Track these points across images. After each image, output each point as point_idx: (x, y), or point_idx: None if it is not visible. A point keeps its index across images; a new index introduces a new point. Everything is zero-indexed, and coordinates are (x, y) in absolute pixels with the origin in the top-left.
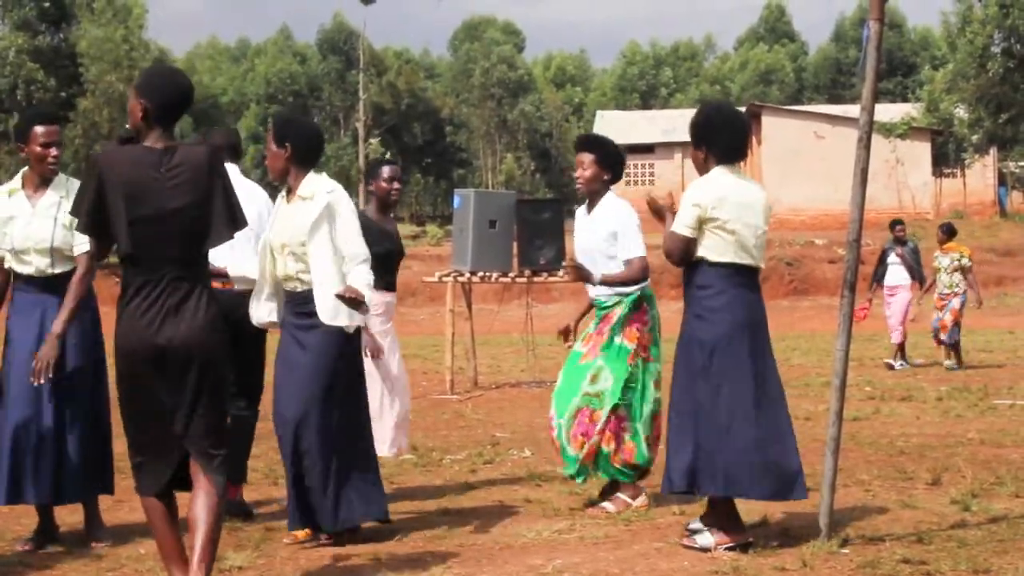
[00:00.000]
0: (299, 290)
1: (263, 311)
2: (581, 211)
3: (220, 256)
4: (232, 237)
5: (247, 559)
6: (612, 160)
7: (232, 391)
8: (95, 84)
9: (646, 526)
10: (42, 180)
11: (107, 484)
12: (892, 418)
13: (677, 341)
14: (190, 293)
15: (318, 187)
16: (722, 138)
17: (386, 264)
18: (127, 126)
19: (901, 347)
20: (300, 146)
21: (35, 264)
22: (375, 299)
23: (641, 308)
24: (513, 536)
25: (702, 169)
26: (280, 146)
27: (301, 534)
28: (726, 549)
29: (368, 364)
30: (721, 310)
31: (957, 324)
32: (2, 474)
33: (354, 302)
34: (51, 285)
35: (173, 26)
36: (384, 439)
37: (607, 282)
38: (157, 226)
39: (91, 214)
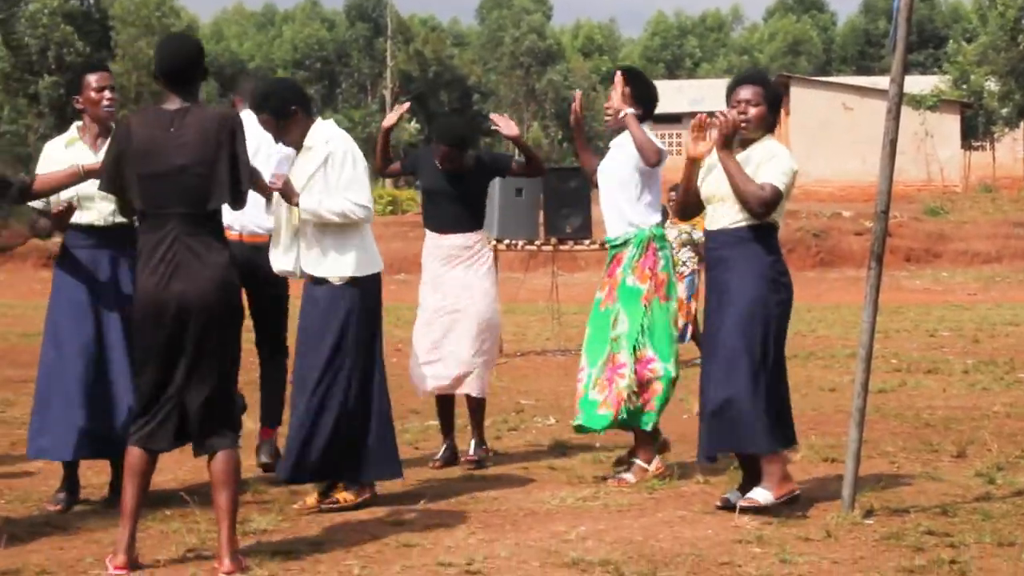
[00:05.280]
0: None
1: (281, 260)
2: (615, 140)
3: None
4: (230, 201)
5: (271, 521)
6: (642, 94)
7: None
8: (125, 49)
9: (670, 494)
10: (101, 129)
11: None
12: (918, 390)
13: (729, 309)
14: (199, 251)
15: (318, 136)
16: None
17: (435, 203)
18: None
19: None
20: (276, 108)
21: (98, 209)
22: (436, 243)
23: (650, 248)
24: (537, 503)
25: (760, 129)
26: (260, 116)
27: (311, 500)
28: (784, 502)
29: (446, 301)
30: (787, 273)
31: (689, 319)
32: (74, 430)
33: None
34: (108, 237)
35: None
36: (472, 380)
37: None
38: (163, 182)
39: (109, 171)
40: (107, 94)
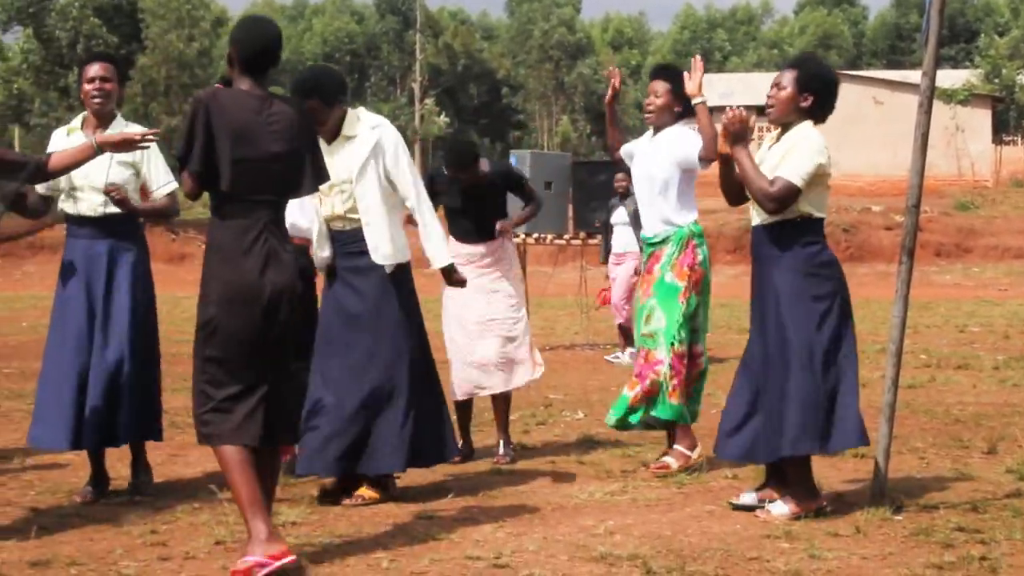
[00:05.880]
0: (347, 229)
1: (326, 251)
2: (645, 137)
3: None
4: (316, 190)
5: (300, 514)
6: (683, 93)
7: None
8: (155, 42)
9: (698, 489)
10: (100, 120)
11: (158, 430)
12: (948, 386)
13: (767, 307)
14: (282, 239)
15: (363, 124)
16: (833, 100)
17: (458, 218)
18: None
19: (627, 333)
20: (327, 94)
21: (88, 201)
22: (458, 250)
23: (689, 245)
24: (565, 497)
25: (788, 115)
26: (307, 101)
27: (369, 492)
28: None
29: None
30: (832, 265)
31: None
32: (66, 420)
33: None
34: (102, 226)
35: None
36: (494, 378)
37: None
38: (258, 168)
39: (202, 148)
40: (96, 84)
